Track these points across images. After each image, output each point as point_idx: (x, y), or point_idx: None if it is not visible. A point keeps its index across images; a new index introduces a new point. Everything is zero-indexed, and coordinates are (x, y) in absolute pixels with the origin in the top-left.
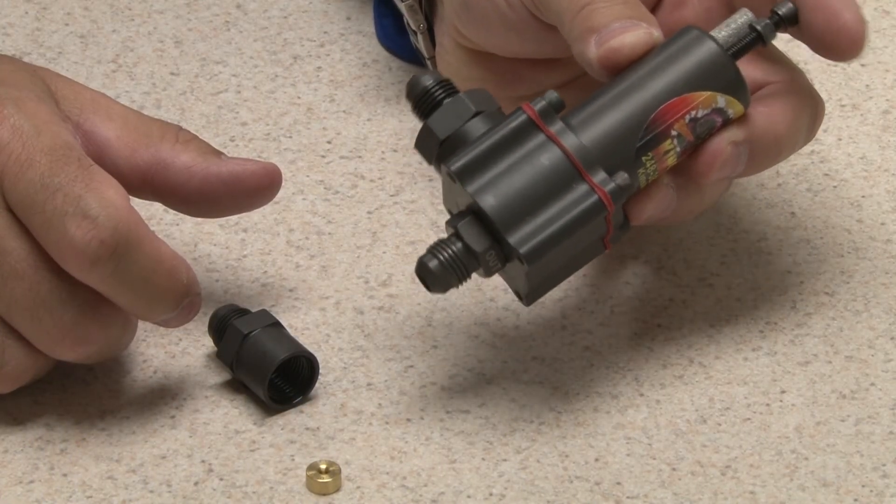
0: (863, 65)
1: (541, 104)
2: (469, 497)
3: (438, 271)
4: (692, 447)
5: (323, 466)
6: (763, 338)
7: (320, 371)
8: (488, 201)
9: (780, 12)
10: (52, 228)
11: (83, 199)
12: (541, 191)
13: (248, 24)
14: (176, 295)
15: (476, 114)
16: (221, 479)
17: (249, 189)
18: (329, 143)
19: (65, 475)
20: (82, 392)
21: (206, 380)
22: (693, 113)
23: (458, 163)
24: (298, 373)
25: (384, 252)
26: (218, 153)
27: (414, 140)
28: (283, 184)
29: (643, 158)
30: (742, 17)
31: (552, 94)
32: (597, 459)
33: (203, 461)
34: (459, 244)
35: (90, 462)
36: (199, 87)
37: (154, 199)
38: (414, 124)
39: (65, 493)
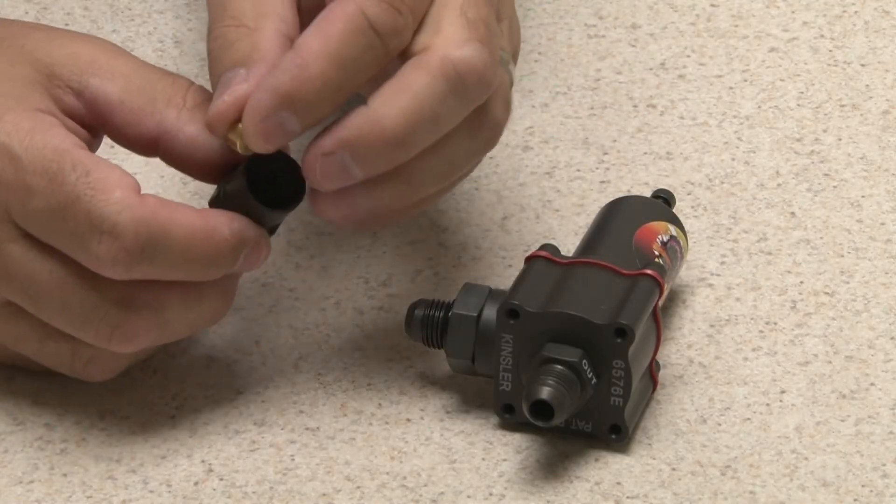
0: (863, 65)
1: (545, 247)
2: (469, 497)
3: (554, 397)
4: (692, 447)
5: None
6: (763, 338)
7: (321, 371)
8: (562, 305)
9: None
10: (77, 250)
11: (92, 213)
12: (594, 292)
13: None
14: (225, 252)
15: (488, 295)
16: (221, 479)
17: None
18: None
19: (65, 475)
20: (82, 392)
21: (206, 380)
22: (661, 237)
23: (514, 300)
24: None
25: (384, 252)
26: None
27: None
28: None
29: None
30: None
31: (548, 244)
32: (597, 459)
33: (203, 461)
34: (558, 366)
35: (90, 462)
36: None
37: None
38: None
39: (65, 493)
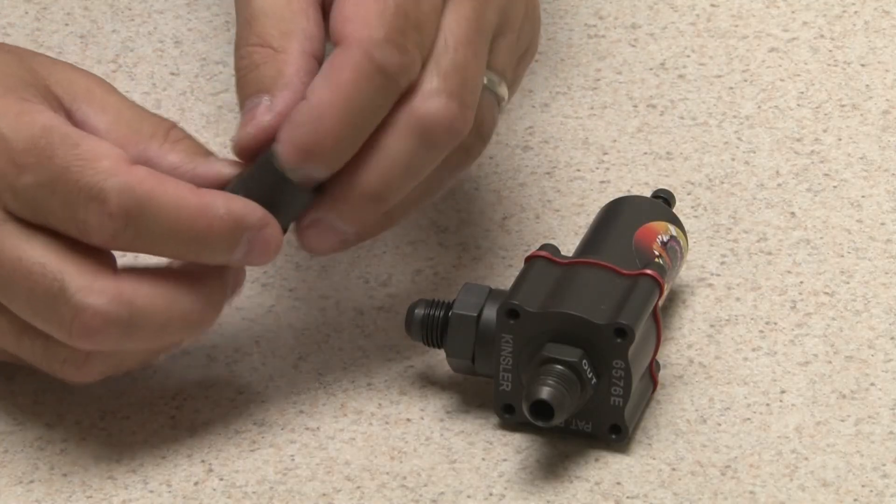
0: (863, 65)
1: (545, 247)
2: (469, 497)
3: (554, 397)
4: (692, 447)
5: None
6: (763, 338)
7: (321, 371)
8: (562, 305)
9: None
10: (66, 221)
11: (81, 182)
12: (594, 292)
13: None
14: (220, 232)
15: (487, 295)
16: (221, 479)
17: None
18: None
19: (65, 475)
20: (82, 392)
21: (206, 380)
22: (661, 237)
23: (514, 300)
24: None
25: (384, 252)
26: (207, 154)
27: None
28: None
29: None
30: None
31: (548, 244)
32: (597, 459)
33: (203, 461)
34: (558, 366)
35: (90, 462)
36: (199, 87)
37: None
38: None
39: (65, 493)
